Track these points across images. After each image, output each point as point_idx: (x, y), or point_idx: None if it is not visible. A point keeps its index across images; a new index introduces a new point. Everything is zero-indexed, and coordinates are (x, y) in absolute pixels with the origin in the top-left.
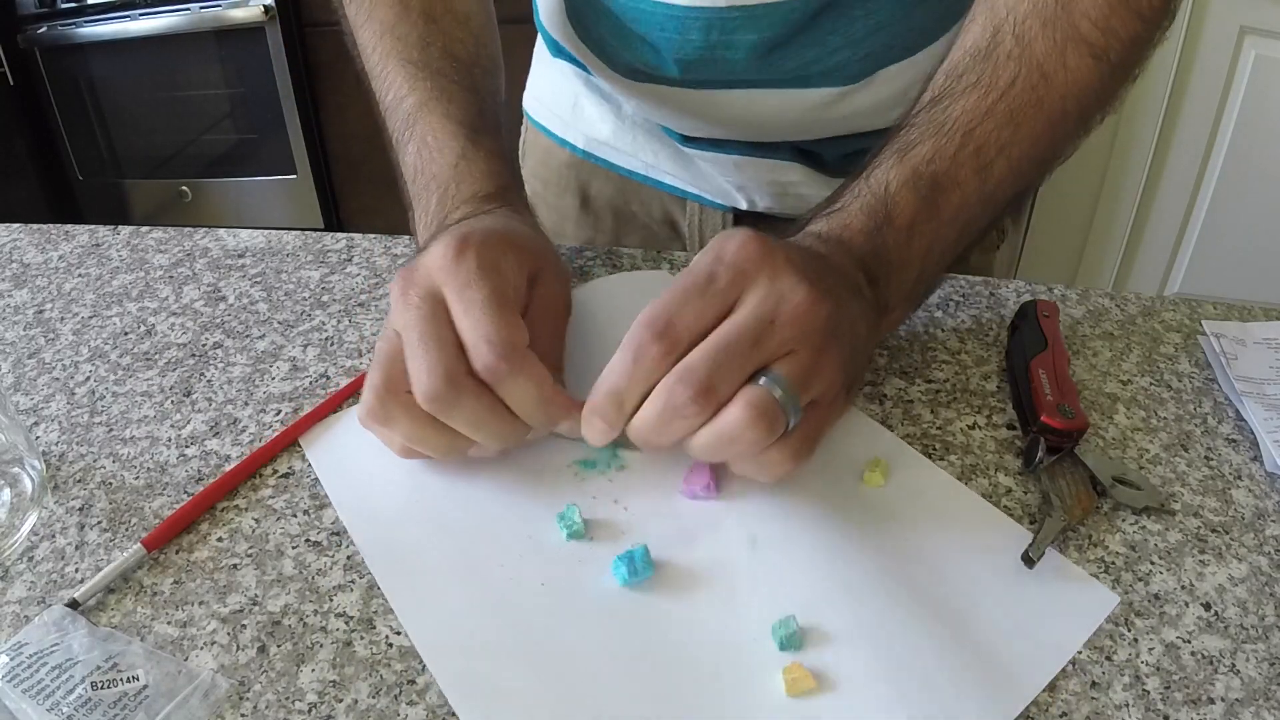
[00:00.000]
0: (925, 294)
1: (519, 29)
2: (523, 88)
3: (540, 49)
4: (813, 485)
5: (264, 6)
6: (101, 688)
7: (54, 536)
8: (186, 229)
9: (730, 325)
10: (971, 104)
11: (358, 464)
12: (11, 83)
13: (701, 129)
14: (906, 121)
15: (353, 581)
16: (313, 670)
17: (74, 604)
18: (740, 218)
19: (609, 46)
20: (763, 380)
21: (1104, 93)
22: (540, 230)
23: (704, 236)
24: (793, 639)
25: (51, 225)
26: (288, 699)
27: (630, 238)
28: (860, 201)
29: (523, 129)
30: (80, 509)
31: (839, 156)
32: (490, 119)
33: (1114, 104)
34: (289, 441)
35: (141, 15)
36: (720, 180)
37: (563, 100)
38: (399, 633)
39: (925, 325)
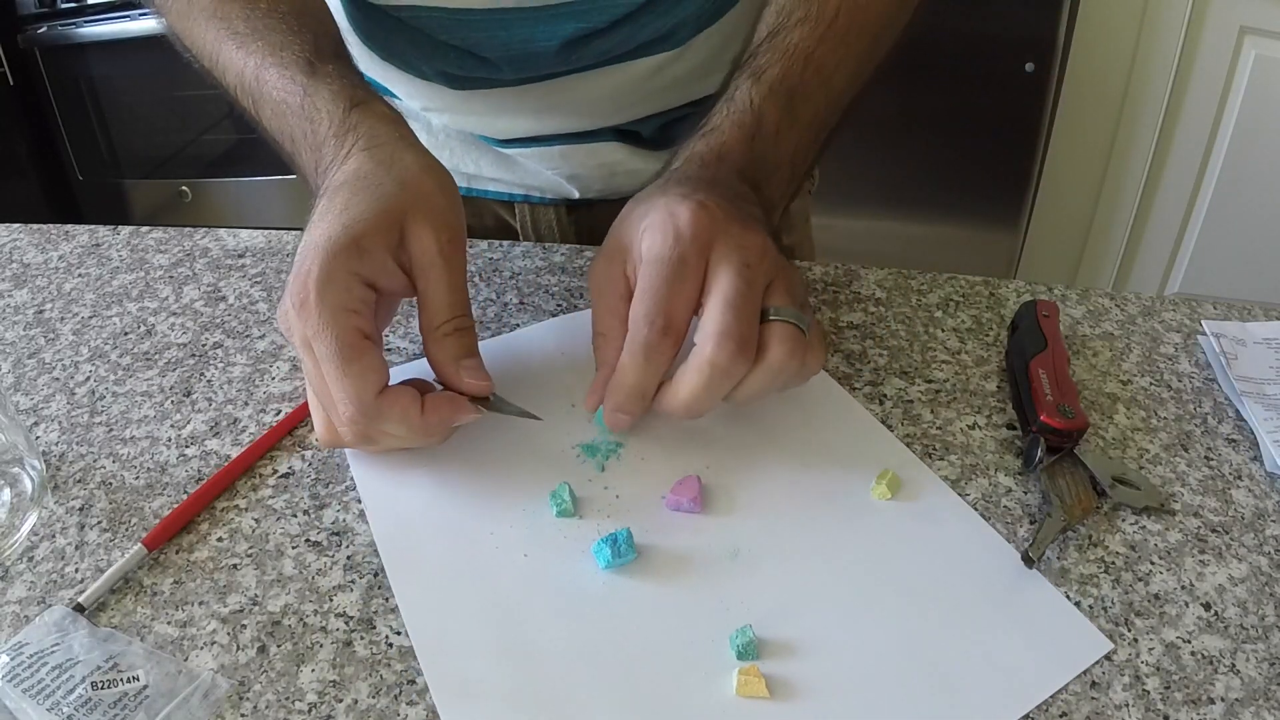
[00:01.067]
0: (794, 192)
1: None
2: None
3: None
4: (817, 496)
5: None
6: (102, 688)
7: (54, 536)
8: (186, 229)
9: (727, 288)
10: (806, 32)
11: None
12: (11, 83)
13: (520, 128)
14: (750, 53)
15: (353, 581)
16: (313, 670)
17: (80, 608)
18: (573, 208)
19: (413, 58)
20: (774, 316)
21: (900, 16)
22: (401, 149)
23: (539, 232)
24: (749, 648)
25: (51, 225)
26: (288, 699)
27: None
28: (731, 119)
29: None
30: (80, 509)
31: (657, 130)
32: (327, 46)
33: (906, 21)
34: (287, 430)
35: (141, 15)
36: (548, 174)
37: None
38: (399, 632)
39: (925, 325)
